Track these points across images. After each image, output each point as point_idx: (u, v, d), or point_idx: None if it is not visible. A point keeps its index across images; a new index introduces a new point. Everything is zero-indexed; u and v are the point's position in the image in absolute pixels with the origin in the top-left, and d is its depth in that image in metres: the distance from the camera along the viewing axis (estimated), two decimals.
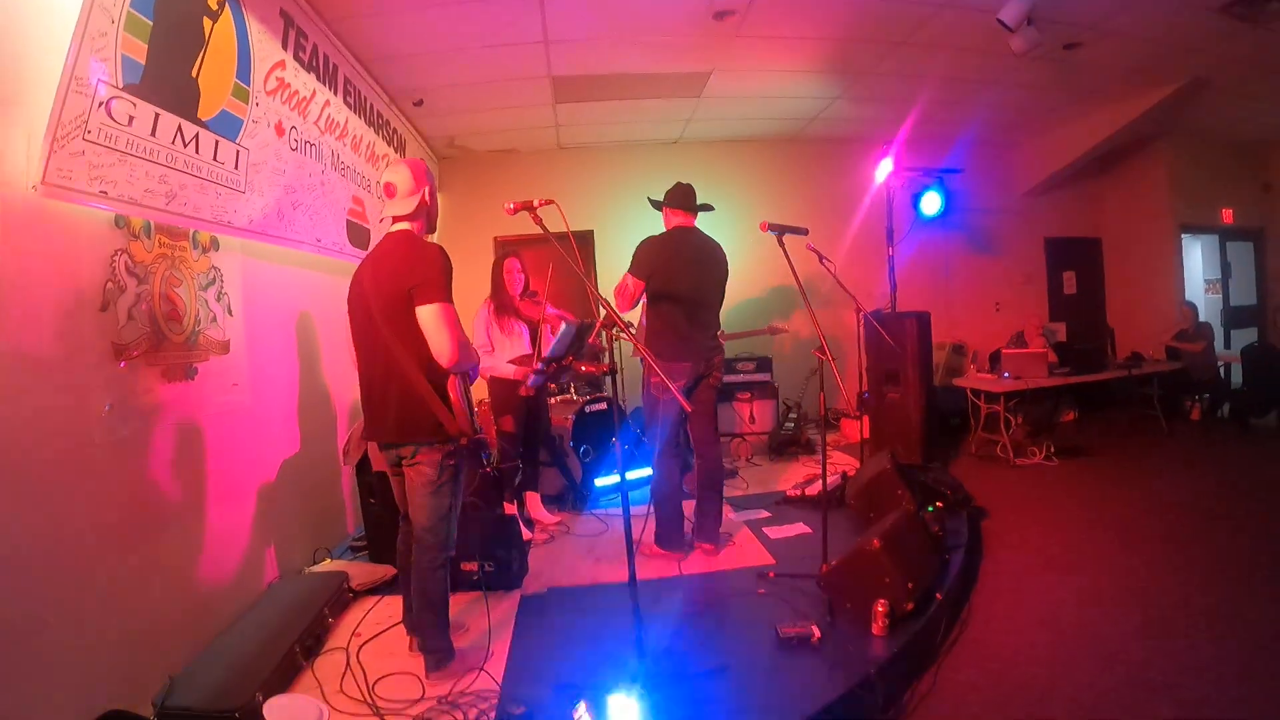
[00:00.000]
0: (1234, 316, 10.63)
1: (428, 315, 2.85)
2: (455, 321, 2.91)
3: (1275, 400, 7.83)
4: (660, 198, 4.53)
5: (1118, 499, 5.75)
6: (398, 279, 2.89)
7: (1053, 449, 7.03)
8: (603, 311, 3.00)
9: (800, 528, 4.97)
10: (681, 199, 4.45)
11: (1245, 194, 10.61)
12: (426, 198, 3.08)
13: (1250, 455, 7.06)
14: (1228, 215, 10.43)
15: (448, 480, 3.07)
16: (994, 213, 9.76)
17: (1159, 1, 5.37)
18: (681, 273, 4.30)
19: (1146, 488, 6.03)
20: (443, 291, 2.87)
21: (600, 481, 5.87)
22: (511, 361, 4.90)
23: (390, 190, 3.07)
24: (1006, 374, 7.22)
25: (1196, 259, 10.73)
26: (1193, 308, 8.61)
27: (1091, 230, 10.52)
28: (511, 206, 2.91)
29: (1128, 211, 10.23)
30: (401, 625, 3.53)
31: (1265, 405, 7.98)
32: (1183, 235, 9.96)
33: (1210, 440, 7.74)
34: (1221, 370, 8.66)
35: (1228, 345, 9.93)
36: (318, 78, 4.59)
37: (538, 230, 2.86)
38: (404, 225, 3.08)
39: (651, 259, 4.27)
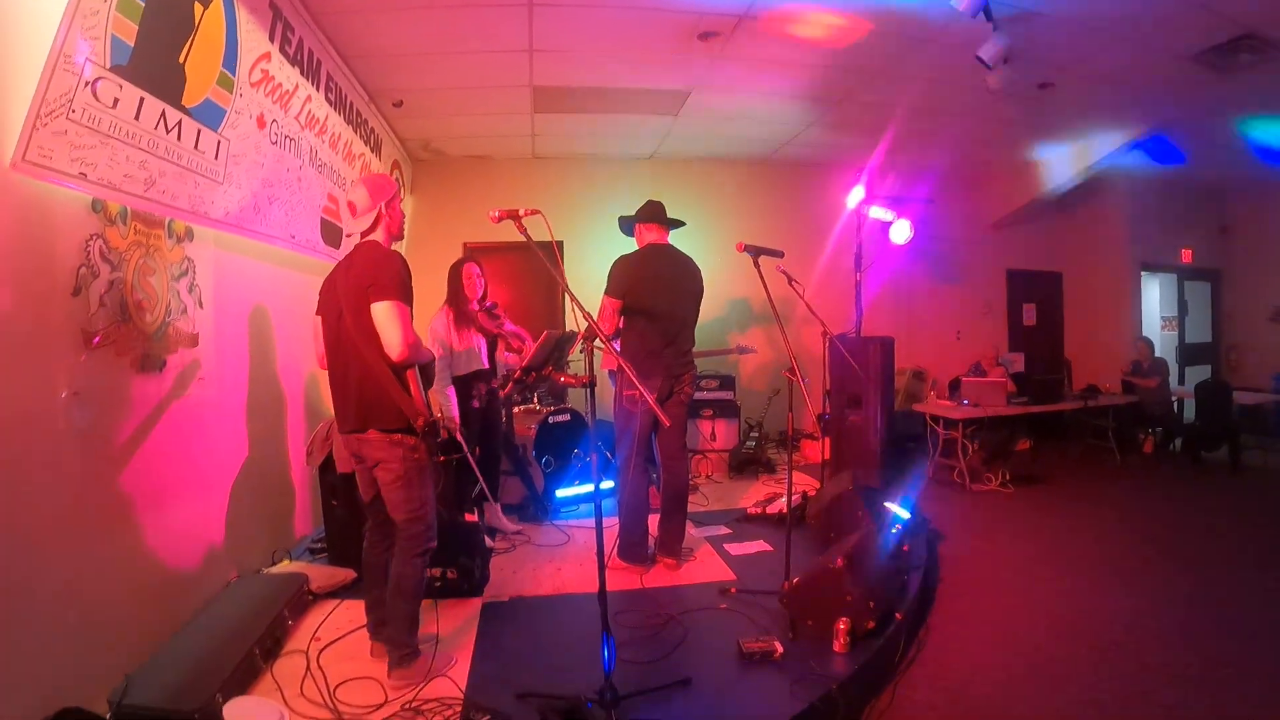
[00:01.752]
0: (1189, 353, 10.98)
1: (380, 311, 3.02)
2: (407, 319, 3.07)
3: (1225, 435, 8.04)
4: (631, 215, 4.58)
5: (1070, 527, 5.90)
6: (360, 280, 3.07)
7: (1008, 476, 7.18)
8: (583, 323, 3.03)
9: (761, 545, 5.01)
10: (654, 214, 4.50)
11: (1204, 235, 10.98)
12: (383, 211, 3.23)
13: (1199, 488, 7.28)
14: (1187, 255, 10.78)
15: (415, 472, 3.17)
16: (961, 243, 9.94)
17: (1134, 46, 5.50)
18: (656, 290, 4.34)
19: (1097, 517, 6.20)
20: (395, 292, 3.03)
21: (562, 492, 5.86)
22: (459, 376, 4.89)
23: (353, 209, 3.24)
24: (966, 401, 7.37)
25: (1154, 296, 11.06)
26: (1148, 343, 8.85)
27: (1053, 264, 10.75)
28: (496, 214, 2.94)
29: (1088, 248, 10.48)
30: (364, 630, 3.49)
31: (1216, 440, 8.19)
32: (1142, 273, 10.24)
33: (1161, 472, 7.97)
34: (1175, 405, 8.91)
35: (1182, 381, 10.25)
36: (301, 72, 4.56)
37: (507, 239, 2.89)
38: (370, 237, 3.24)
39: (626, 277, 4.31)
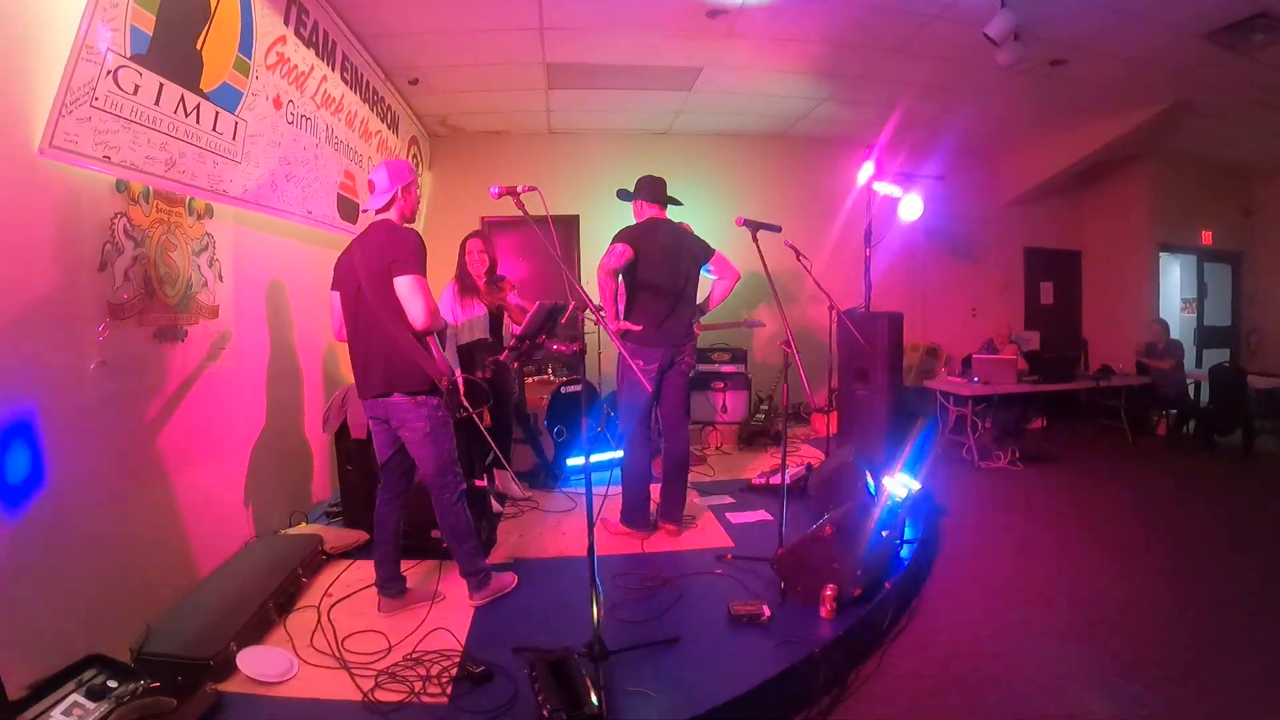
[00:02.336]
0: (1207, 336, 10.85)
1: (403, 285, 3.27)
2: (427, 291, 3.34)
3: (1239, 419, 8.01)
4: (629, 190, 4.64)
5: (1075, 505, 5.94)
6: (381, 256, 3.30)
7: (1018, 454, 7.21)
8: (593, 295, 3.17)
9: (762, 514, 5.13)
10: (652, 191, 4.56)
11: (1225, 217, 10.81)
12: (398, 194, 3.47)
13: (1210, 471, 7.25)
14: (1207, 237, 10.62)
15: (439, 426, 3.47)
16: (976, 220, 9.92)
17: (1146, 24, 5.48)
18: (658, 262, 4.43)
19: (1105, 496, 6.23)
20: (415, 267, 3.29)
21: (572, 461, 6.00)
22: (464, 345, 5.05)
23: (371, 187, 3.49)
24: (976, 378, 7.41)
25: (1175, 278, 10.91)
26: (1164, 325, 8.79)
27: (1072, 243, 10.71)
28: (496, 191, 3.06)
29: (1108, 227, 10.42)
30: (374, 587, 3.70)
31: (1229, 424, 8.15)
32: (1162, 254, 10.14)
33: (1173, 455, 7.96)
34: (1191, 388, 8.86)
35: (1199, 364, 10.13)
36: (317, 54, 4.69)
37: (521, 213, 3.02)
38: (384, 215, 3.49)
39: (636, 240, 4.40)
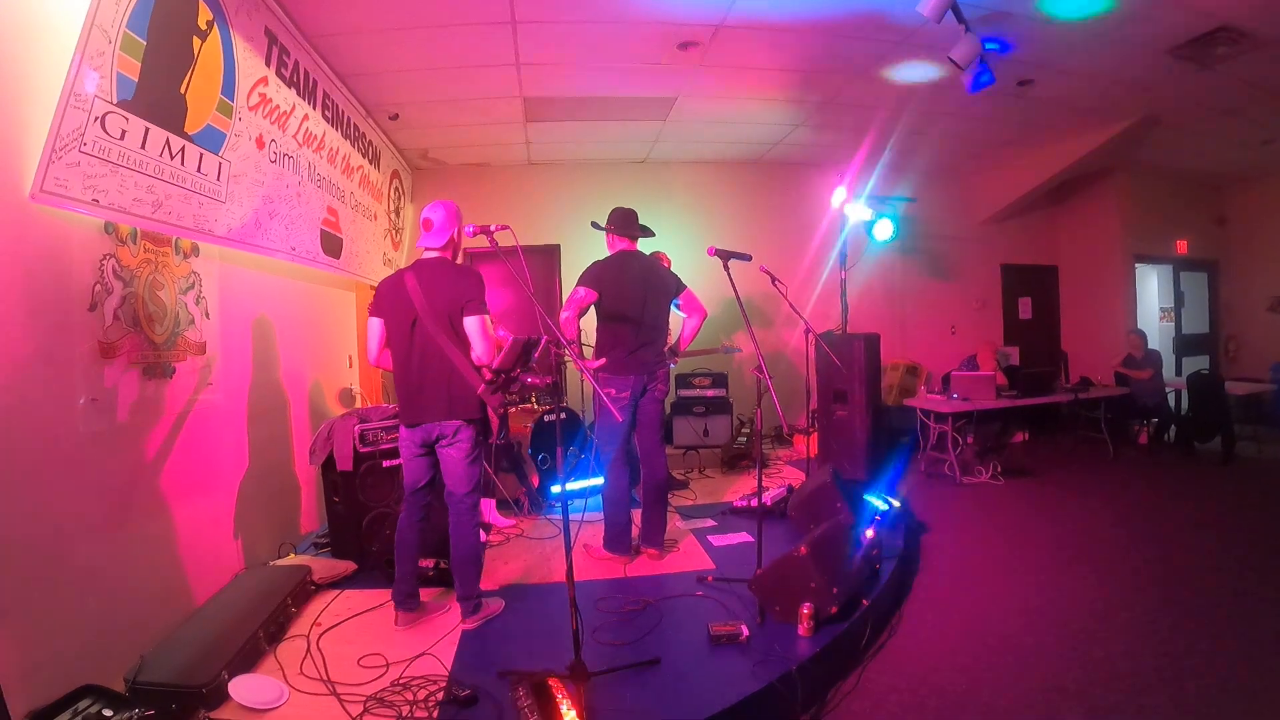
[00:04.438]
0: (1186, 344, 11.02)
1: (473, 324, 3.60)
2: (490, 331, 3.66)
3: (1218, 426, 8.11)
4: (601, 224, 4.76)
5: (1056, 518, 6.01)
6: (454, 296, 3.60)
7: (1000, 469, 7.30)
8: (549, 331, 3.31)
9: (744, 536, 5.20)
10: (623, 225, 4.68)
11: (1199, 226, 11.02)
12: (456, 236, 3.79)
13: (1189, 478, 7.34)
14: (1182, 246, 10.81)
15: (479, 452, 3.76)
16: (952, 239, 10.09)
17: (1109, 43, 5.62)
18: (630, 292, 4.53)
19: (1085, 508, 6.30)
20: (484, 307, 3.63)
21: (556, 488, 6.06)
22: None
23: (428, 225, 3.75)
24: (955, 395, 7.52)
25: (1152, 288, 11.10)
26: (1141, 335, 8.90)
27: (1048, 258, 10.88)
28: (471, 230, 3.23)
29: (1084, 240, 10.59)
30: (361, 616, 3.85)
31: (1209, 431, 8.25)
32: (1138, 265, 10.32)
33: (1153, 464, 8.05)
34: (1171, 397, 8.99)
35: (1179, 373, 10.26)
36: (298, 93, 4.80)
37: (505, 244, 3.16)
38: (437, 252, 3.74)
39: (602, 277, 4.53)
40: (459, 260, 3.89)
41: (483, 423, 3.73)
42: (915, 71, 6.14)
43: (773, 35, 5.38)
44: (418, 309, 3.57)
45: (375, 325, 3.76)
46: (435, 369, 3.60)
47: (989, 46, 5.37)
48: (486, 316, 3.61)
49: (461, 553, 3.75)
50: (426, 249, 3.74)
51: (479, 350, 3.58)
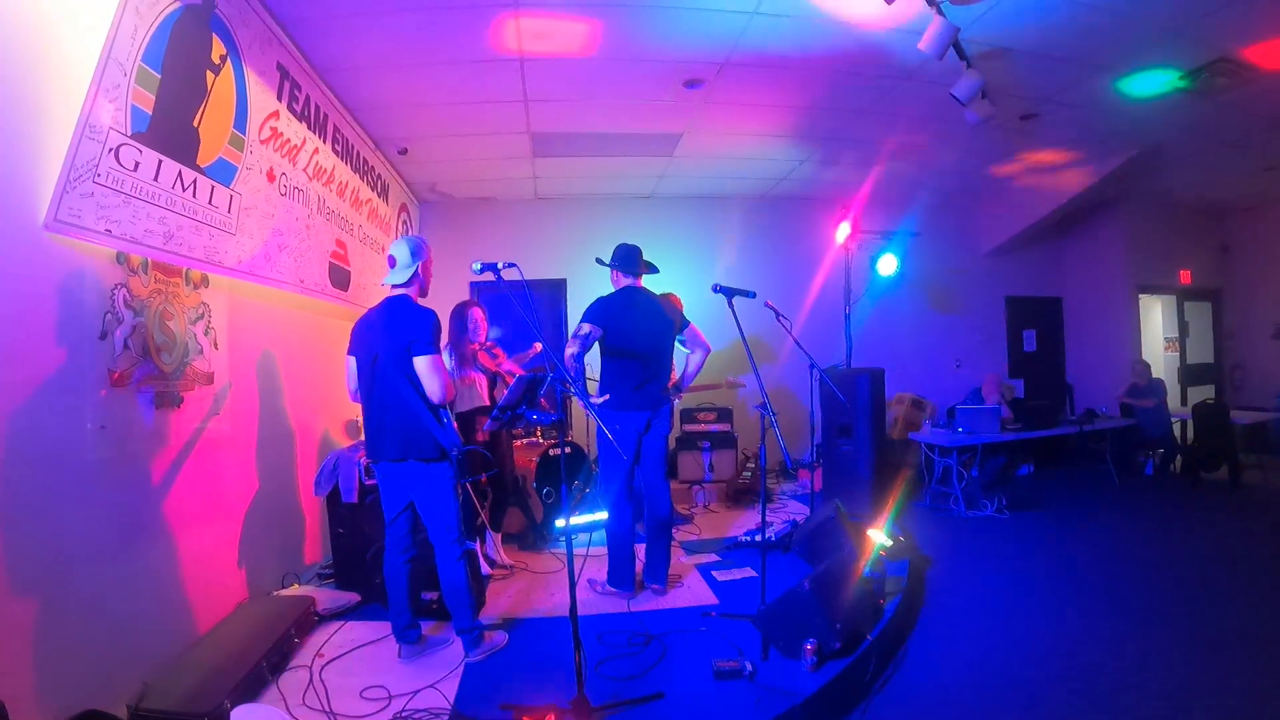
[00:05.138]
0: (1191, 374, 10.99)
1: (422, 364, 3.56)
2: (443, 368, 3.62)
3: (1224, 455, 8.09)
4: (605, 261, 4.80)
5: (1062, 550, 5.97)
6: (401, 334, 3.57)
7: (1005, 502, 7.25)
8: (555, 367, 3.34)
9: (748, 571, 5.18)
10: (625, 261, 4.71)
11: (1203, 255, 11.02)
12: (420, 271, 3.76)
13: (1196, 508, 7.29)
14: (1185, 276, 10.81)
15: (448, 491, 3.72)
16: (956, 272, 10.13)
17: (1110, 76, 5.67)
18: (634, 328, 4.57)
19: (1092, 540, 6.25)
20: (434, 346, 3.58)
21: (561, 522, 6.04)
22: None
23: (392, 262, 3.74)
24: (960, 429, 7.51)
25: (1156, 318, 11.10)
26: (1146, 366, 8.92)
27: (1052, 289, 10.90)
28: (479, 268, 3.25)
29: (1087, 272, 10.61)
30: (365, 648, 3.86)
31: (1215, 460, 8.22)
32: (1141, 295, 10.31)
33: (1159, 494, 8.00)
34: (1176, 427, 8.96)
35: (1184, 403, 10.21)
36: (309, 126, 4.88)
37: (511, 279, 3.22)
38: (404, 291, 3.74)
39: (606, 312, 4.56)
40: (424, 296, 3.90)
41: (461, 460, 3.71)
42: (918, 108, 6.20)
43: (777, 73, 5.46)
44: (378, 348, 3.63)
45: (350, 364, 3.86)
46: (393, 408, 3.63)
47: None
48: (437, 356, 3.58)
49: (448, 587, 3.76)
50: (394, 287, 3.76)
51: (430, 390, 3.57)
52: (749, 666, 3.53)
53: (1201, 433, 8.44)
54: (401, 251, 3.72)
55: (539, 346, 3.66)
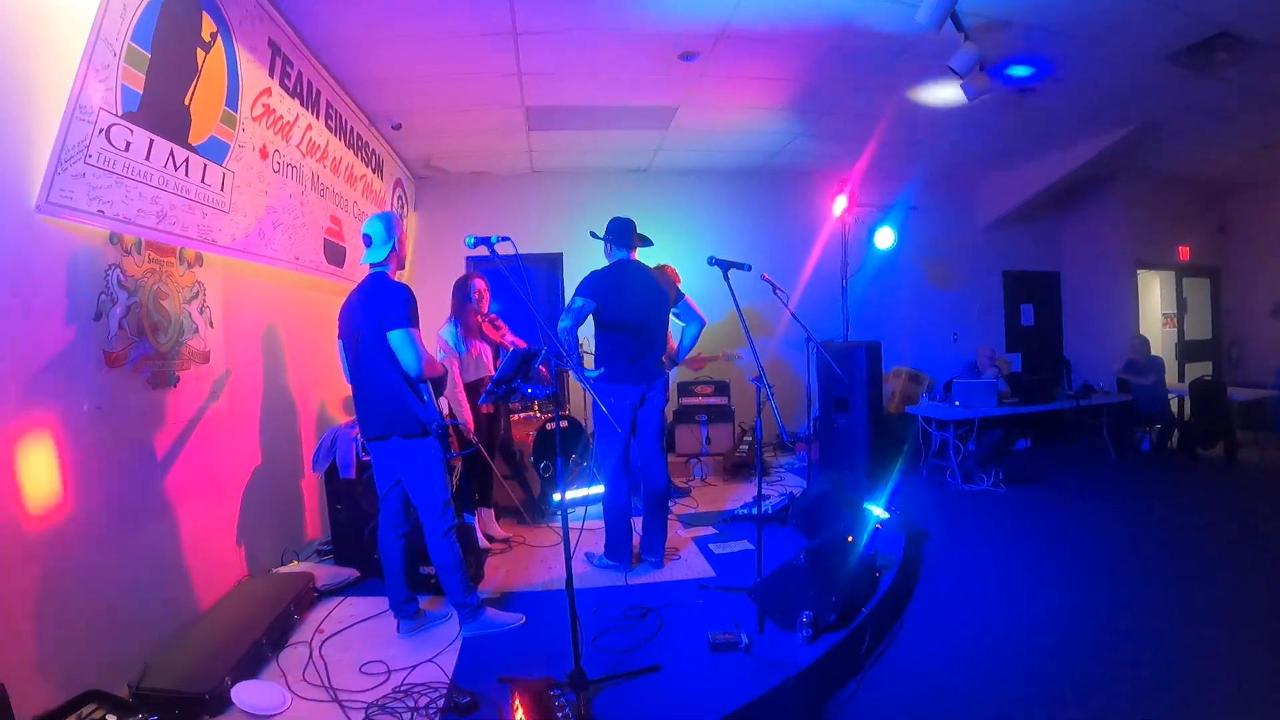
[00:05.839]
0: (1189, 350, 11.00)
1: (395, 339, 3.55)
2: (419, 342, 3.60)
3: (1220, 432, 8.14)
4: (599, 234, 4.78)
5: (1057, 525, 6.02)
6: (375, 311, 3.58)
7: (1002, 476, 7.29)
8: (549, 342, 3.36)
9: (744, 544, 5.20)
10: (619, 234, 4.70)
11: (1202, 232, 11.00)
12: (396, 247, 3.75)
13: (1191, 484, 7.35)
14: (1184, 252, 10.79)
15: (432, 467, 3.73)
16: (954, 246, 10.09)
17: (1109, 50, 5.62)
18: (627, 301, 4.57)
19: (1088, 514, 6.30)
20: (406, 320, 3.56)
21: (557, 496, 6.07)
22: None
23: (367, 241, 3.73)
24: (957, 402, 7.52)
25: (1155, 294, 11.09)
26: (1144, 341, 8.92)
27: (1050, 264, 10.87)
28: (472, 241, 3.24)
29: (1086, 247, 10.58)
30: (364, 623, 3.92)
31: (1211, 437, 8.28)
32: (1140, 271, 10.31)
33: (1155, 470, 8.05)
34: (1174, 403, 8.98)
35: (1182, 379, 10.25)
36: (301, 103, 4.83)
37: (505, 253, 3.21)
38: (381, 269, 3.73)
39: (599, 286, 4.56)
40: (403, 270, 3.93)
41: (438, 436, 3.70)
42: (915, 80, 6.15)
43: (773, 45, 5.40)
44: (359, 327, 3.66)
45: (340, 347, 3.90)
46: (374, 385, 3.66)
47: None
48: (411, 330, 3.56)
49: (437, 562, 3.81)
50: (371, 265, 3.76)
51: (405, 364, 3.57)
52: (745, 639, 3.57)
53: (1198, 409, 8.51)
54: (376, 229, 3.72)
55: (513, 349, 3.67)
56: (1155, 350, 9.14)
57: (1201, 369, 10.43)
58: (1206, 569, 4.89)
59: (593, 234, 4.82)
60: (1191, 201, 10.81)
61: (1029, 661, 3.70)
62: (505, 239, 3.23)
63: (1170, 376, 9.43)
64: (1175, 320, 11.07)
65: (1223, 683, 3.39)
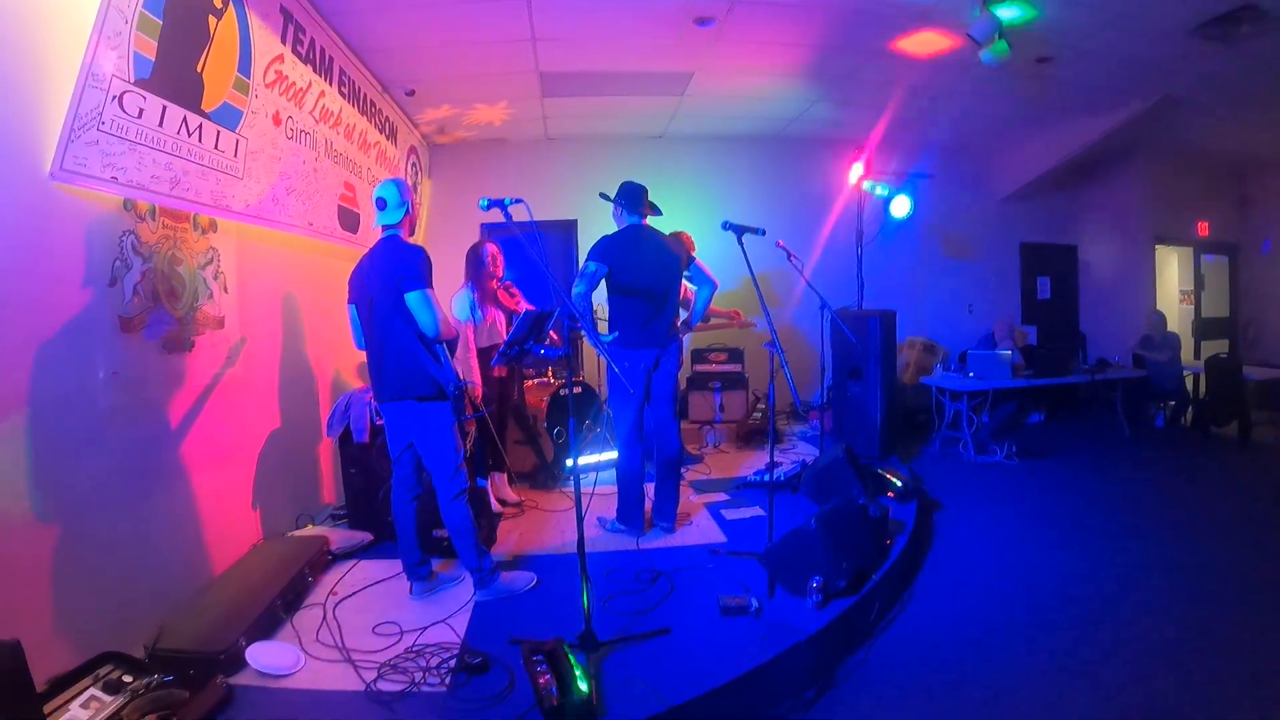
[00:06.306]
0: (1206, 328, 10.91)
1: (414, 300, 3.53)
2: (436, 303, 3.58)
3: (1235, 410, 8.06)
4: (609, 195, 4.75)
5: (1070, 498, 5.99)
6: (392, 272, 3.56)
7: (1014, 449, 7.28)
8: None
9: (756, 510, 5.22)
10: (630, 200, 4.66)
11: (1221, 209, 10.86)
12: (410, 210, 3.77)
13: (1205, 461, 7.28)
14: (1203, 229, 10.67)
15: (445, 430, 3.74)
16: (971, 217, 9.98)
17: (1132, 21, 5.53)
18: (640, 266, 4.55)
19: (1100, 489, 6.27)
20: (424, 281, 3.54)
21: (570, 461, 6.10)
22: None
23: (381, 204, 3.72)
24: (972, 374, 7.49)
25: (1173, 270, 10.98)
26: (1161, 317, 8.83)
27: (1067, 237, 10.74)
28: (485, 204, 3.24)
29: (1104, 221, 10.46)
30: (377, 585, 3.96)
31: (1226, 415, 8.19)
32: (1158, 247, 10.20)
33: (1170, 446, 7.98)
34: (1189, 380, 8.91)
35: (1197, 356, 10.15)
36: (314, 70, 4.82)
37: (523, 219, 3.20)
38: (394, 232, 3.73)
39: (612, 251, 4.54)
40: (413, 234, 3.90)
41: (453, 399, 3.70)
42: (933, 46, 6.05)
43: (789, 10, 5.33)
44: (373, 291, 3.64)
45: (350, 312, 3.91)
46: (390, 348, 3.66)
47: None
48: (429, 290, 3.54)
49: (449, 525, 3.82)
50: (385, 228, 3.75)
51: (423, 325, 3.56)
52: (755, 603, 3.59)
53: (1213, 387, 8.43)
54: (390, 192, 3.70)
55: (525, 311, 3.67)
56: (1171, 327, 9.06)
57: (1218, 347, 10.29)
58: (1217, 546, 4.86)
59: (602, 195, 4.78)
60: (1211, 177, 10.67)
61: (1037, 633, 3.71)
62: (519, 201, 3.22)
63: (1186, 354, 9.34)
64: (1193, 297, 10.96)
65: (1233, 662, 3.37)
